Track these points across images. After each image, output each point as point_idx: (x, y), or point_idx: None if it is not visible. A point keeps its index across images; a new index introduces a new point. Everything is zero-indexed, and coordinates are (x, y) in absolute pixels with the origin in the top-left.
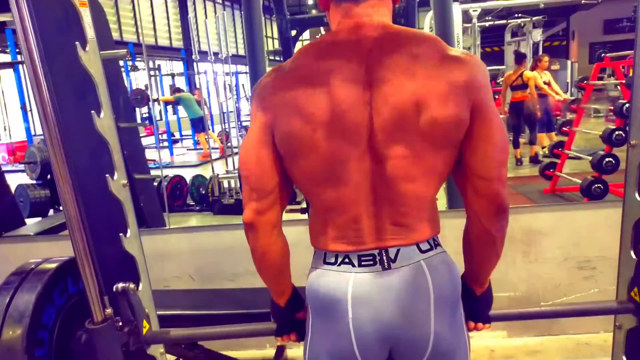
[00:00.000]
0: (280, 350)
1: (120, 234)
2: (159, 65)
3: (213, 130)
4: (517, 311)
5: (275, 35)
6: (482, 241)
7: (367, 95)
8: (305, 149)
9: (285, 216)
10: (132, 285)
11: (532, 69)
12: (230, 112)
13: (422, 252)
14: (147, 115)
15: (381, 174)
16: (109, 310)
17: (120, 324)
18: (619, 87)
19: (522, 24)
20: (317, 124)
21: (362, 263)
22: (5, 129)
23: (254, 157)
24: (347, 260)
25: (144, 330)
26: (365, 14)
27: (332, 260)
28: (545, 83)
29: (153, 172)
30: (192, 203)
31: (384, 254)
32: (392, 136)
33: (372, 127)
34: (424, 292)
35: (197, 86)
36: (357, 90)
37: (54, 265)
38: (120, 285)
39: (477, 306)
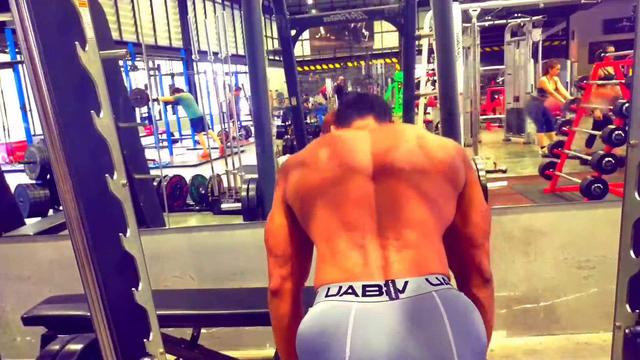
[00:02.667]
0: None
1: (120, 234)
2: (158, 65)
3: (213, 129)
4: None
5: (275, 35)
6: None
7: (368, 145)
8: (309, 185)
9: None
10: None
11: (543, 74)
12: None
13: (433, 285)
14: (146, 115)
15: (385, 201)
16: None
17: None
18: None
19: (522, 24)
20: (319, 163)
21: (367, 293)
22: (4, 129)
23: (274, 228)
24: (350, 290)
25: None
26: (367, 123)
27: (335, 292)
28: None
29: (153, 172)
30: (191, 203)
31: (391, 285)
32: (393, 171)
33: (373, 161)
34: (438, 321)
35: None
36: (360, 143)
37: (77, 348)
38: None
39: None
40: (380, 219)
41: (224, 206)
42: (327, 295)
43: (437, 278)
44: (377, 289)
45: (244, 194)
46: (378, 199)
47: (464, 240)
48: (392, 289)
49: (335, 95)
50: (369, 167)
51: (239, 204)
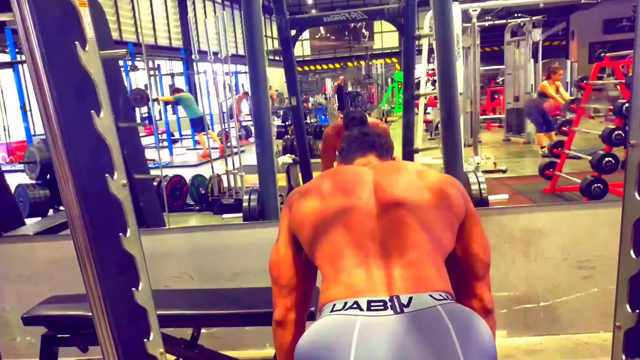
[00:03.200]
0: None
1: (120, 234)
2: (158, 65)
3: (213, 130)
4: None
5: (275, 35)
6: None
7: (371, 177)
8: (314, 213)
9: None
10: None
11: (545, 78)
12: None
13: (437, 300)
14: (146, 115)
15: (388, 222)
16: None
17: None
18: (618, 86)
19: (522, 24)
20: (323, 193)
21: (372, 308)
22: (5, 129)
23: (279, 258)
24: (355, 305)
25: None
26: (369, 162)
27: (340, 307)
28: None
29: (153, 172)
30: (191, 203)
31: (396, 300)
32: (395, 198)
33: (376, 192)
34: (445, 333)
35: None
36: (362, 176)
37: None
38: None
39: None
40: (383, 241)
41: (225, 216)
42: (332, 311)
43: (440, 294)
44: (382, 304)
45: (245, 204)
46: (380, 225)
47: (466, 272)
48: (396, 303)
49: (336, 96)
50: (371, 197)
51: (240, 215)
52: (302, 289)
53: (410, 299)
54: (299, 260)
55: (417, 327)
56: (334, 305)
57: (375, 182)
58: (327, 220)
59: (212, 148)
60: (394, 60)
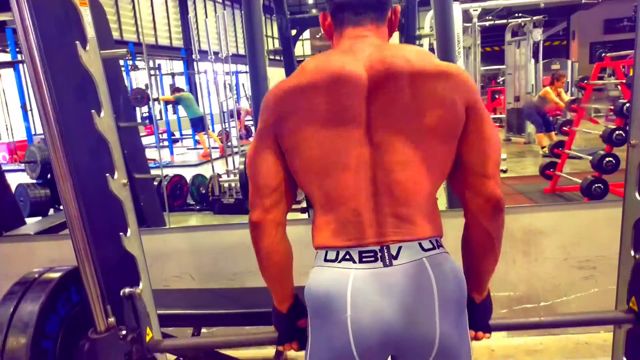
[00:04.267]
0: (280, 351)
1: (121, 234)
2: (159, 65)
3: (213, 130)
4: (517, 321)
5: (275, 34)
6: (481, 243)
7: (365, 88)
8: (305, 140)
9: None
10: (138, 290)
11: (549, 84)
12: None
13: (425, 250)
14: (147, 114)
15: (380, 163)
16: (111, 320)
17: (124, 332)
18: (619, 86)
19: (523, 24)
20: (316, 115)
21: (363, 259)
22: (6, 129)
23: (258, 157)
24: (347, 256)
25: (147, 338)
26: (363, 34)
27: (333, 257)
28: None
29: (153, 172)
30: (192, 202)
31: (386, 251)
32: (388, 125)
33: (369, 117)
34: (427, 290)
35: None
36: (355, 84)
37: (57, 275)
38: (128, 289)
39: (476, 315)
40: (375, 187)
41: (222, 179)
42: (325, 260)
43: (430, 242)
44: (372, 254)
45: (242, 167)
46: (374, 168)
47: (474, 172)
48: (386, 254)
49: None
50: (364, 132)
51: (236, 179)
52: (282, 189)
53: (400, 249)
54: (280, 162)
55: (402, 281)
56: (327, 253)
57: (368, 106)
58: (318, 160)
59: (213, 148)
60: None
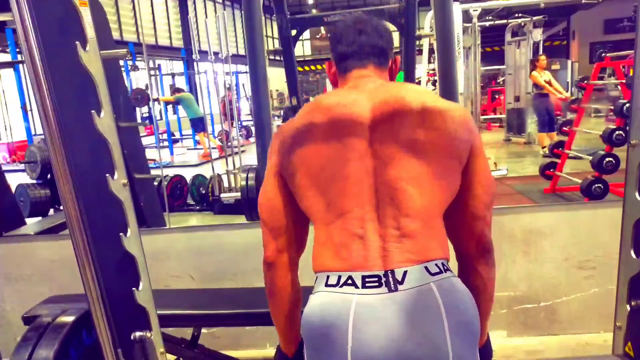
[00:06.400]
0: None
1: (121, 234)
2: (159, 65)
3: (213, 131)
4: None
5: (276, 34)
6: (474, 285)
7: (368, 107)
8: (306, 157)
9: None
10: (149, 334)
11: (531, 70)
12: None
13: (432, 274)
14: (147, 114)
15: (384, 177)
16: None
17: None
18: (619, 86)
19: (523, 24)
20: (316, 133)
21: (367, 284)
22: (6, 129)
23: (267, 199)
24: (349, 281)
25: None
26: (366, 75)
27: (334, 281)
28: (545, 82)
29: (153, 172)
30: (192, 203)
31: (390, 275)
32: (393, 140)
33: (372, 130)
34: (436, 316)
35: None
36: (357, 106)
37: (69, 320)
38: (138, 334)
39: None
40: (379, 205)
41: (223, 196)
42: (326, 285)
43: (436, 265)
44: (376, 279)
45: (243, 182)
46: (378, 183)
47: (465, 211)
48: (391, 279)
49: None
50: (368, 146)
51: (238, 194)
52: (293, 230)
53: (405, 273)
54: (290, 202)
55: (409, 306)
56: (328, 277)
57: (372, 125)
58: (320, 175)
59: (213, 148)
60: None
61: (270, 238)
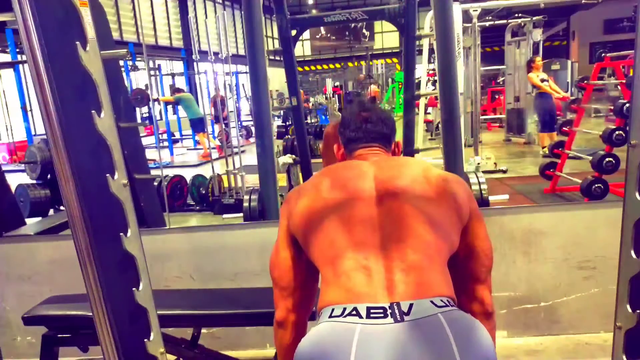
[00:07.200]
0: None
1: (121, 234)
2: (159, 65)
3: (213, 131)
4: None
5: (276, 35)
6: None
7: (374, 169)
8: (314, 214)
9: None
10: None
11: (528, 72)
12: (231, 111)
13: (438, 307)
14: (147, 115)
15: (390, 222)
16: None
17: None
18: (619, 87)
19: (523, 24)
20: (322, 191)
21: (371, 315)
22: (6, 129)
23: (279, 260)
24: (354, 312)
25: None
26: (372, 153)
27: (338, 313)
28: (542, 81)
29: (153, 172)
30: (192, 203)
31: (396, 307)
32: (397, 200)
33: (377, 188)
34: (446, 345)
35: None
36: (363, 171)
37: None
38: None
39: None
40: (384, 240)
41: (225, 216)
42: (330, 316)
43: (442, 300)
44: (381, 311)
45: (246, 204)
46: (382, 220)
47: (467, 274)
48: (397, 311)
49: (336, 96)
50: (372, 192)
51: (241, 215)
52: (303, 290)
53: (411, 305)
54: (299, 261)
55: (417, 336)
56: (333, 310)
57: (376, 178)
58: (326, 219)
59: (212, 148)
60: (395, 60)
61: (280, 297)
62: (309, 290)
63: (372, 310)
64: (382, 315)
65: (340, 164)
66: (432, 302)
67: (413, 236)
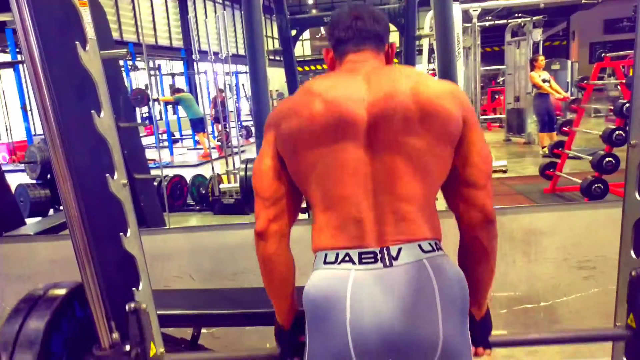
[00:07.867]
0: None
1: (121, 234)
2: (159, 65)
3: (213, 131)
4: (516, 338)
5: (275, 35)
6: (475, 255)
7: (363, 93)
8: (303, 144)
9: None
10: (144, 305)
11: (531, 70)
12: (231, 111)
13: (425, 252)
14: (147, 115)
15: (380, 165)
16: (115, 335)
17: (128, 348)
18: (619, 86)
19: (523, 24)
20: (314, 119)
21: (363, 261)
22: (6, 129)
23: (262, 169)
24: (347, 258)
25: (151, 353)
26: (363, 59)
27: (332, 259)
28: (544, 81)
29: (153, 172)
30: (192, 203)
31: (386, 252)
32: (388, 129)
33: (368, 120)
34: (429, 291)
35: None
36: (353, 92)
37: (62, 292)
38: (133, 304)
39: (477, 331)
40: (375, 190)
41: (223, 186)
42: (325, 262)
43: (429, 244)
44: (372, 256)
45: (242, 173)
46: (373, 169)
47: (466, 183)
48: (386, 256)
49: None
50: (363, 123)
51: (237, 185)
52: (286, 201)
53: (400, 250)
54: (284, 172)
55: (403, 281)
56: (326, 255)
57: (368, 103)
58: (316, 158)
59: (212, 148)
60: (395, 60)
61: (262, 207)
62: (293, 201)
63: (363, 256)
64: (372, 260)
65: (330, 79)
66: (419, 246)
67: (404, 190)
